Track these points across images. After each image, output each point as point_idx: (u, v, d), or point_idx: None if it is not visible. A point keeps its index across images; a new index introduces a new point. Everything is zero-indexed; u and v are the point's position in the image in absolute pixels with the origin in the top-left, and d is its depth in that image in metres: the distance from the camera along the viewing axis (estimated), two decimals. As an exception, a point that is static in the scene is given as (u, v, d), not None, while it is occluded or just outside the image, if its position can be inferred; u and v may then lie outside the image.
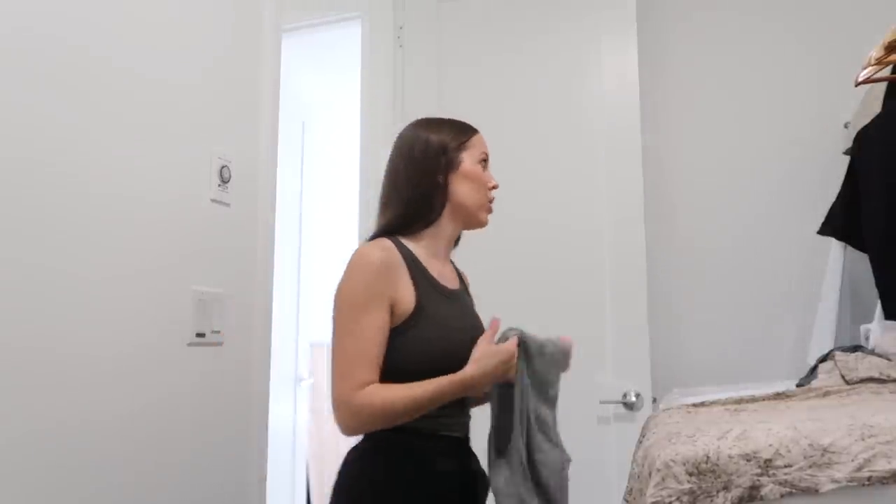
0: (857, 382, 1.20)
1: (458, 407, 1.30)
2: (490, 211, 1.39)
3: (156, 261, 1.46)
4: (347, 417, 1.20)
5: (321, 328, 3.58)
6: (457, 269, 1.48)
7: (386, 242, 1.28)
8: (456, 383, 1.20)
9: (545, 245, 2.31)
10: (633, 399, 2.13)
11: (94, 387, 1.30)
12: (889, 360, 1.27)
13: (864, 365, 1.24)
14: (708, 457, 0.84)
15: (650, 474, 0.88)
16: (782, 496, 0.81)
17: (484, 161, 1.38)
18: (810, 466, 0.81)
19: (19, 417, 1.17)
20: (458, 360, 1.23)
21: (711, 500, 0.83)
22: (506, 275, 2.40)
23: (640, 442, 1.16)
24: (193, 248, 1.57)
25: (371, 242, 1.30)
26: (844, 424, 0.83)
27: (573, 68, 2.42)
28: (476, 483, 1.34)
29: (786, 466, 0.81)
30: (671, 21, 2.47)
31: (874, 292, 1.64)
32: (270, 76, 1.84)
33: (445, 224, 1.36)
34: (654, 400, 2.13)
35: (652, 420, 1.25)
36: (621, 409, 2.13)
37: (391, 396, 1.19)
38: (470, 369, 1.21)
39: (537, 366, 1.27)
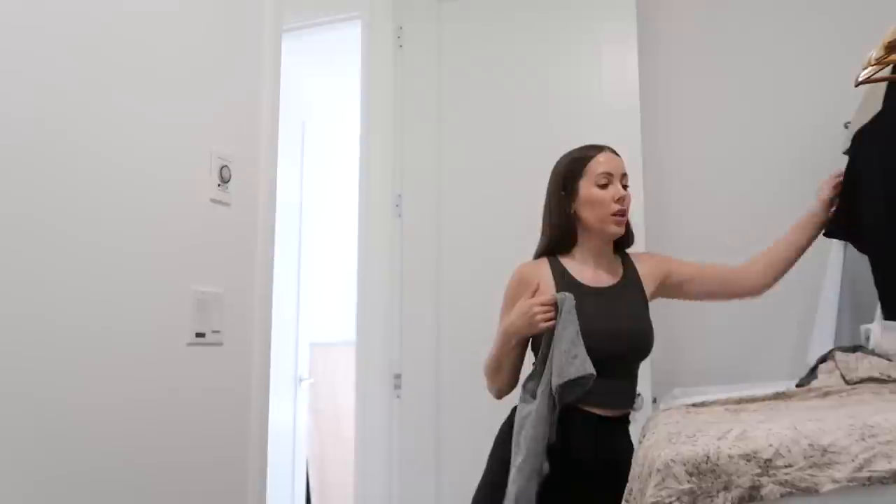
0: (857, 382, 1.20)
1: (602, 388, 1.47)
2: (617, 223, 1.58)
3: (156, 261, 1.46)
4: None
5: (321, 328, 3.61)
6: (630, 262, 1.67)
7: (538, 260, 1.65)
8: (499, 334, 1.58)
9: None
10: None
11: (93, 386, 1.30)
12: (889, 360, 1.27)
13: (864, 365, 1.24)
14: (708, 457, 0.84)
15: (650, 474, 0.88)
16: (782, 496, 0.81)
17: (605, 180, 1.57)
18: (810, 466, 0.81)
19: (18, 416, 1.17)
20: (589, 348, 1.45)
21: (712, 501, 0.83)
22: (503, 276, 2.39)
23: (640, 442, 1.16)
24: (193, 248, 1.57)
25: (525, 263, 1.66)
26: (845, 424, 0.83)
27: (573, 68, 2.42)
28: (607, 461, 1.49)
29: (786, 466, 0.81)
30: (671, 21, 2.47)
31: (874, 292, 1.63)
32: (270, 76, 1.84)
33: (586, 242, 1.62)
34: (654, 400, 2.13)
35: (652, 420, 1.25)
36: (621, 409, 2.13)
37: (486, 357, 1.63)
38: (504, 321, 1.56)
39: (566, 324, 1.45)
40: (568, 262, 1.61)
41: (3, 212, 1.16)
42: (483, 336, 2.41)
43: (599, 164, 1.57)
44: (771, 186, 2.30)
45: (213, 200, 1.63)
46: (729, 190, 2.34)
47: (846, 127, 2.07)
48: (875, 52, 1.63)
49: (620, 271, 1.64)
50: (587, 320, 1.46)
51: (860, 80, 1.68)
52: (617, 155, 1.61)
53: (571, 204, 1.59)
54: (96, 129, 1.34)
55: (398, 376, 2.49)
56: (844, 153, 1.97)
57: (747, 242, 2.30)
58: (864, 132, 1.72)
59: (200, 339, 1.56)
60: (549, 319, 1.45)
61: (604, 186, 1.56)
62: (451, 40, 2.58)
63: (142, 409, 1.41)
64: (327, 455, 3.64)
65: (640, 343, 1.58)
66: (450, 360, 2.44)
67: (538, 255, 1.66)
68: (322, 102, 3.65)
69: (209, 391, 1.59)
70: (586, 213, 1.58)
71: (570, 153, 1.64)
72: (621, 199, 1.56)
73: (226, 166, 1.66)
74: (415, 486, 2.42)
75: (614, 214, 1.56)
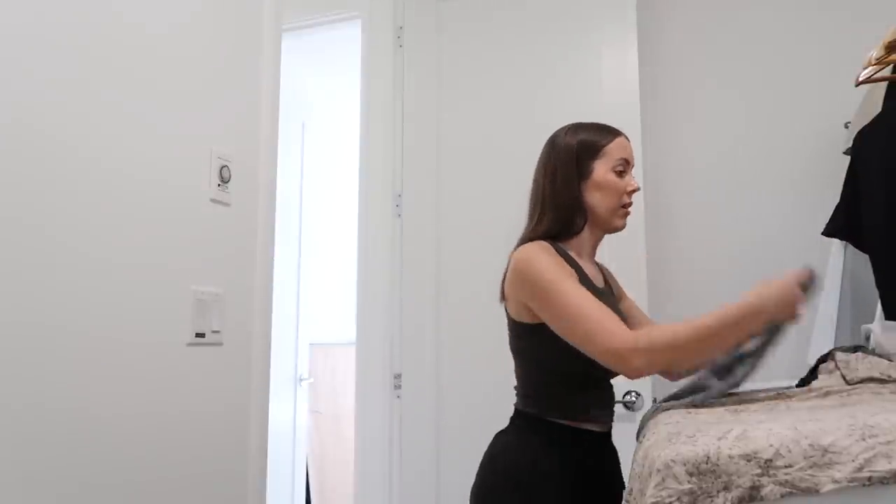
0: (857, 382, 1.20)
1: (604, 401, 1.39)
2: (625, 216, 1.43)
3: (156, 261, 1.46)
4: (634, 358, 1.19)
5: (321, 328, 3.61)
6: (601, 269, 1.54)
7: (543, 243, 1.36)
8: (749, 310, 1.18)
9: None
10: (633, 399, 2.13)
11: (93, 386, 1.30)
12: (890, 360, 1.27)
13: (864, 365, 1.24)
14: (708, 457, 0.84)
15: (650, 474, 0.87)
16: (783, 496, 0.81)
17: (622, 167, 1.40)
18: (811, 467, 0.81)
19: (18, 417, 1.17)
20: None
21: (712, 501, 0.83)
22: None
23: (640, 442, 1.15)
24: (193, 248, 1.57)
25: (531, 243, 1.37)
26: (845, 424, 0.83)
27: (573, 68, 2.42)
28: (613, 479, 1.43)
29: (786, 467, 0.81)
30: (671, 21, 2.47)
31: (874, 292, 1.63)
32: (270, 76, 1.84)
33: (588, 231, 1.43)
34: (654, 400, 2.13)
35: (652, 420, 1.25)
36: (621, 409, 2.13)
37: (675, 327, 1.19)
38: (751, 295, 1.20)
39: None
40: (567, 250, 1.40)
41: (2, 213, 1.16)
42: (483, 336, 2.42)
43: (619, 147, 1.40)
44: (771, 186, 2.30)
45: (213, 200, 1.63)
46: (729, 190, 2.34)
47: (846, 127, 2.08)
48: (875, 52, 1.63)
49: (601, 275, 1.50)
50: None
51: (860, 80, 1.68)
52: (629, 142, 1.45)
53: (581, 184, 1.39)
54: (96, 129, 1.34)
55: (398, 376, 2.49)
56: (844, 153, 1.98)
57: (747, 242, 2.31)
58: (865, 133, 1.72)
59: (200, 339, 1.56)
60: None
61: (620, 174, 1.40)
62: (451, 40, 2.58)
63: (141, 408, 1.40)
64: (327, 455, 3.65)
65: None
66: (450, 360, 2.44)
67: (534, 238, 1.40)
68: (322, 102, 3.65)
69: (209, 391, 1.59)
70: (595, 199, 1.39)
71: (580, 128, 1.44)
72: (633, 192, 1.41)
73: (226, 166, 1.66)
74: (415, 486, 2.42)
75: (624, 206, 1.41)
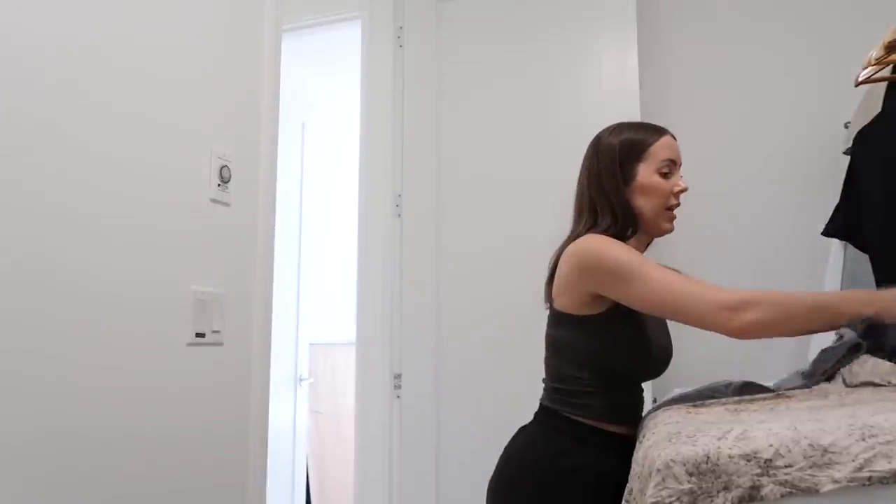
0: (856, 386, 1.20)
1: (634, 405, 1.37)
2: (671, 218, 1.38)
3: (155, 261, 1.46)
4: (745, 309, 1.19)
5: (321, 328, 3.61)
6: None
7: (604, 235, 1.33)
8: (848, 301, 1.21)
9: (544, 247, 2.31)
10: (633, 399, 2.12)
11: (93, 386, 1.30)
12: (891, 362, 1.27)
13: (865, 369, 1.24)
14: (708, 457, 0.84)
15: (650, 474, 0.88)
16: (783, 496, 0.81)
17: (668, 168, 1.36)
18: (811, 467, 0.81)
19: (18, 418, 1.17)
20: (651, 359, 1.34)
21: (712, 501, 0.83)
22: (503, 276, 2.40)
23: (640, 442, 1.16)
24: (193, 248, 1.57)
25: (591, 235, 1.33)
26: (845, 424, 0.83)
27: (573, 68, 2.42)
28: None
29: (786, 467, 0.81)
30: (671, 21, 2.47)
31: (874, 292, 1.63)
32: (270, 76, 1.84)
33: (640, 234, 1.39)
34: (654, 400, 2.13)
35: (652, 420, 1.25)
36: (621, 409, 2.13)
37: (786, 292, 1.19)
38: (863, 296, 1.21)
39: None
40: None
41: (2, 212, 1.16)
42: (483, 336, 2.42)
43: (664, 147, 1.35)
44: (771, 186, 2.31)
45: (213, 200, 1.63)
46: (728, 189, 2.34)
47: (846, 127, 2.08)
48: (875, 52, 1.63)
49: None
50: (652, 323, 1.32)
51: (860, 80, 1.68)
52: (675, 140, 1.39)
53: (625, 189, 1.35)
54: (96, 129, 1.34)
55: (398, 376, 2.49)
56: (844, 153, 1.98)
57: (747, 241, 2.31)
58: (865, 133, 1.72)
59: (200, 339, 1.56)
60: None
61: (665, 175, 1.35)
62: (451, 40, 2.58)
63: (142, 408, 1.41)
64: (327, 455, 3.65)
65: (669, 360, 1.42)
66: (450, 360, 2.44)
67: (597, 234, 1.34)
68: (322, 102, 3.65)
69: (209, 391, 1.59)
70: (640, 202, 1.35)
71: (623, 128, 1.40)
72: (680, 193, 1.36)
73: (226, 166, 1.66)
74: (415, 486, 2.42)
75: (669, 209, 1.36)
